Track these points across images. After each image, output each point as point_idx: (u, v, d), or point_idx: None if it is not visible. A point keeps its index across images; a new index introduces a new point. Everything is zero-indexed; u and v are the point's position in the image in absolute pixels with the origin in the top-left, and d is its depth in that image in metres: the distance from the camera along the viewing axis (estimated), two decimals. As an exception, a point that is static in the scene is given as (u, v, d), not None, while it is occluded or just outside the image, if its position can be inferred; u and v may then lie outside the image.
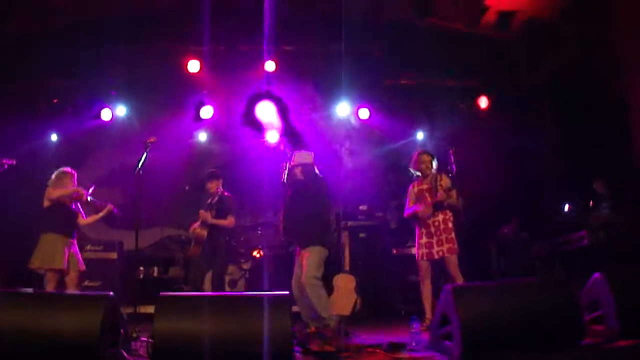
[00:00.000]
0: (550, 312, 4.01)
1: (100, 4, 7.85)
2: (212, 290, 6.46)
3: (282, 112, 8.90)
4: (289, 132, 8.93)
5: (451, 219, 6.00)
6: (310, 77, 8.91)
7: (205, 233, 6.58)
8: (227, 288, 8.00)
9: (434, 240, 5.97)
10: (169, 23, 8.09)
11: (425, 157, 6.22)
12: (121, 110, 8.96)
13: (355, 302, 7.46)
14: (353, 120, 9.35)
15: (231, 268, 8.12)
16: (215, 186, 6.84)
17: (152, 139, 5.53)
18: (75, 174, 6.22)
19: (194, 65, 8.55)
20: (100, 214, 6.25)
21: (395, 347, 4.52)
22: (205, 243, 6.57)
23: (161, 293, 3.99)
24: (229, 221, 6.69)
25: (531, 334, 3.94)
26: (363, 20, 8.04)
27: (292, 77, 8.75)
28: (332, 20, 7.90)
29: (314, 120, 9.35)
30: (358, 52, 8.59)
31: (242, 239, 8.62)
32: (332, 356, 4.22)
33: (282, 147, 8.89)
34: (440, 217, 5.97)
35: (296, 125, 8.99)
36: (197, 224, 6.68)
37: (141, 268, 8.76)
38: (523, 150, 8.57)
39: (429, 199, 6.06)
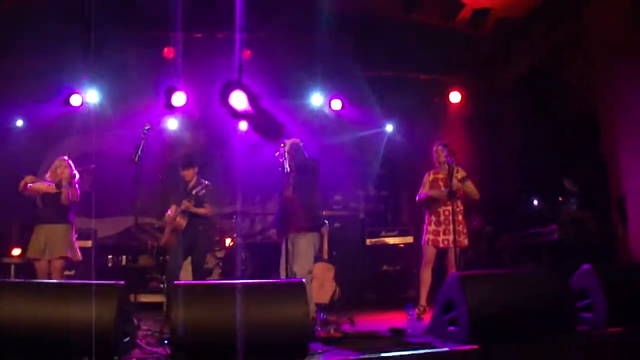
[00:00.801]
0: (549, 300, 4.28)
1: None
2: (193, 279, 6.42)
3: (254, 100, 8.84)
4: (262, 121, 8.88)
5: (462, 212, 6.18)
6: (284, 66, 8.87)
7: (184, 222, 6.51)
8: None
9: (441, 229, 6.17)
10: (144, 7, 7.88)
11: (442, 149, 6.35)
12: (92, 96, 8.72)
13: (334, 291, 7.61)
14: (326, 111, 9.43)
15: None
16: (191, 174, 6.72)
17: (148, 126, 5.45)
18: (69, 160, 6.06)
19: (169, 52, 8.42)
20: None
21: (397, 333, 4.67)
22: (183, 232, 6.52)
23: (175, 282, 3.98)
24: (208, 210, 6.63)
25: (532, 319, 4.19)
26: (338, 10, 8.05)
27: (265, 65, 8.71)
28: (307, 8, 7.89)
29: (287, 109, 9.34)
30: (333, 42, 8.62)
31: (217, 227, 8.57)
32: (338, 342, 4.31)
33: (256, 137, 8.93)
34: (450, 207, 6.09)
35: (269, 114, 8.95)
36: (171, 212, 6.59)
37: (110, 256, 8.62)
38: (493, 145, 8.83)
39: (442, 188, 6.22)
